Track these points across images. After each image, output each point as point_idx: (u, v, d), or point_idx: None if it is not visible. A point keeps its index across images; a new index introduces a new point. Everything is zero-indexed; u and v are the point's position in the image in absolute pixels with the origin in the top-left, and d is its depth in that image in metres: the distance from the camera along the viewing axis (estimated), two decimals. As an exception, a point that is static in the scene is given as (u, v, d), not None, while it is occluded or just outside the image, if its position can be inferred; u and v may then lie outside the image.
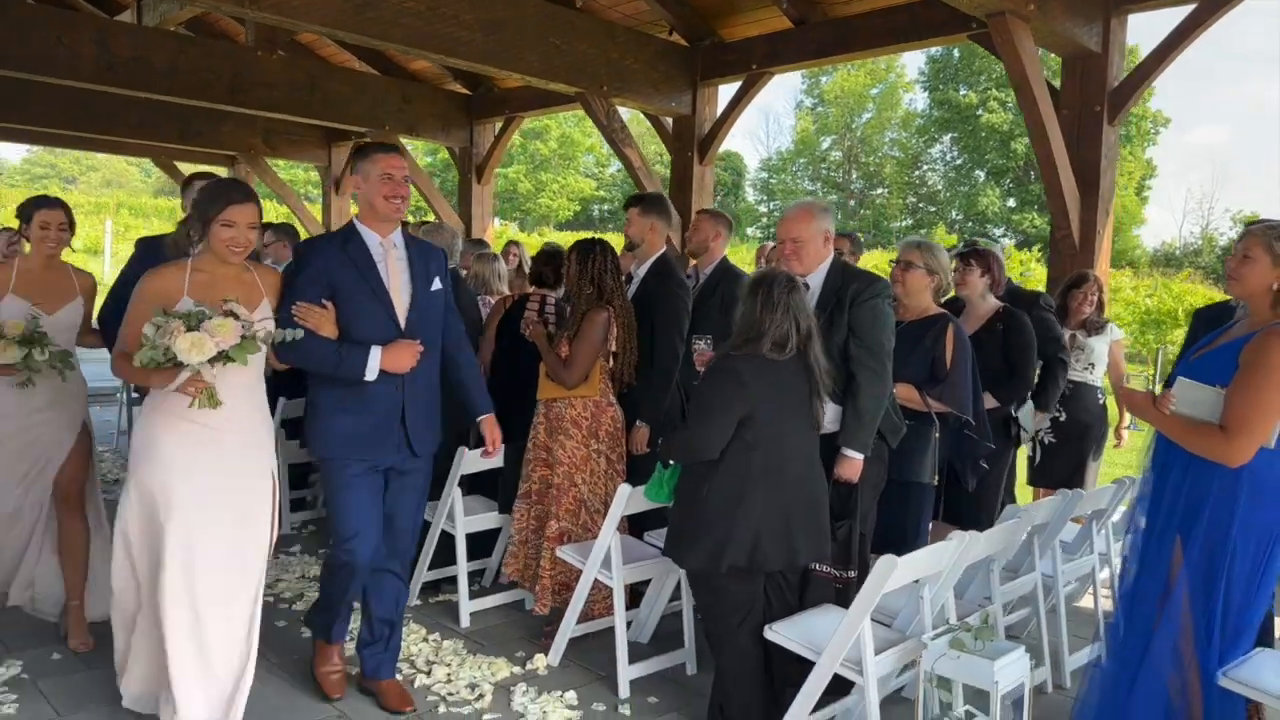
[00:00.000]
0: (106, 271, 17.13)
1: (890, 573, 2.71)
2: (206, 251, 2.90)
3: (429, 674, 3.56)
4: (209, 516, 2.82)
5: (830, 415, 3.35)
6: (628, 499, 3.42)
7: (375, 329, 3.03)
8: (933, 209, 39.79)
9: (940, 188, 39.76)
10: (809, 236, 3.44)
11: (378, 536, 3.15)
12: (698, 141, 7.23)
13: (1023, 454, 5.18)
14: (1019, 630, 3.96)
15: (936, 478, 3.78)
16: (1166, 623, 2.67)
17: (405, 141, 8.99)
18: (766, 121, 78.53)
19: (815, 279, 3.49)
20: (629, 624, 3.94)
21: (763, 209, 45.36)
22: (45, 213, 3.63)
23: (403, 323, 3.08)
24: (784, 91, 74.21)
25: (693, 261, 4.64)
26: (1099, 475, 5.11)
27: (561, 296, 4.23)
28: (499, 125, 8.87)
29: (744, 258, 24.02)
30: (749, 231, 41.15)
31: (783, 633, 3.01)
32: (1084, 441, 4.83)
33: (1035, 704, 3.53)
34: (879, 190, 42.69)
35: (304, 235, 10.69)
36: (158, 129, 9.22)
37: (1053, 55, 5.44)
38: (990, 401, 3.98)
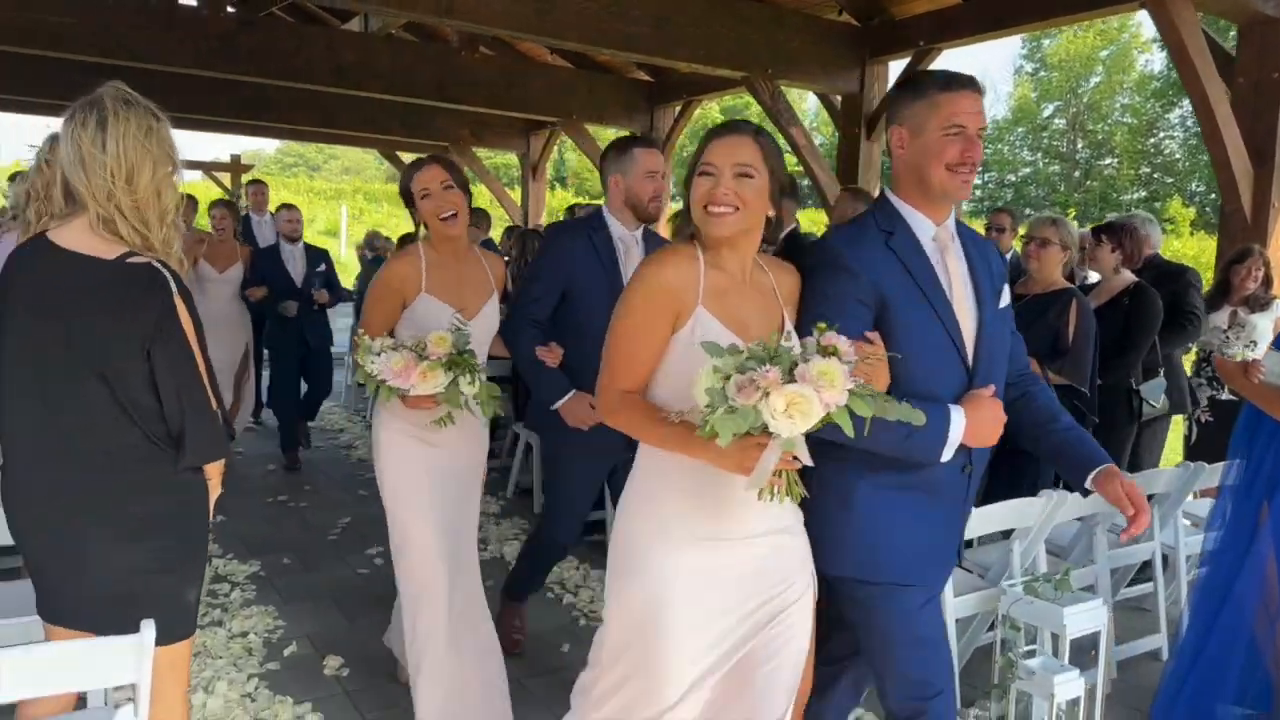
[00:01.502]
0: (343, 252, 19.13)
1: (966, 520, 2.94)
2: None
3: (575, 595, 4.12)
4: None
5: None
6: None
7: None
8: (1169, 180, 36.61)
9: (1179, 156, 36.49)
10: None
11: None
12: (865, 119, 7.37)
13: (1178, 431, 5.08)
14: (1149, 602, 4.00)
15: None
16: (1248, 574, 2.75)
17: (591, 128, 9.65)
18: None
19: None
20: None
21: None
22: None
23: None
24: (999, 57, 70.04)
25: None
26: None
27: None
28: (678, 109, 9.33)
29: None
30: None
31: (877, 575, 3.30)
32: (1243, 419, 4.69)
33: (1148, 670, 3.62)
34: (1108, 160, 39.73)
35: (505, 220, 11.69)
36: (382, 123, 10.38)
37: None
38: (1094, 380, 4.02)
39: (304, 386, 6.36)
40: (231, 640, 3.55)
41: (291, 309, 5.96)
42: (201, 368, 1.99)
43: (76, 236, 1.91)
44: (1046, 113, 40.83)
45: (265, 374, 6.80)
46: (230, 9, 7.70)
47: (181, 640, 2.05)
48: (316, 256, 6.26)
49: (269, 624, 3.72)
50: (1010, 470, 3.81)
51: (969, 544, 3.76)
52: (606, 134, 9.68)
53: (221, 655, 3.42)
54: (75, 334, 1.86)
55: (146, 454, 1.94)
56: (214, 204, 6.35)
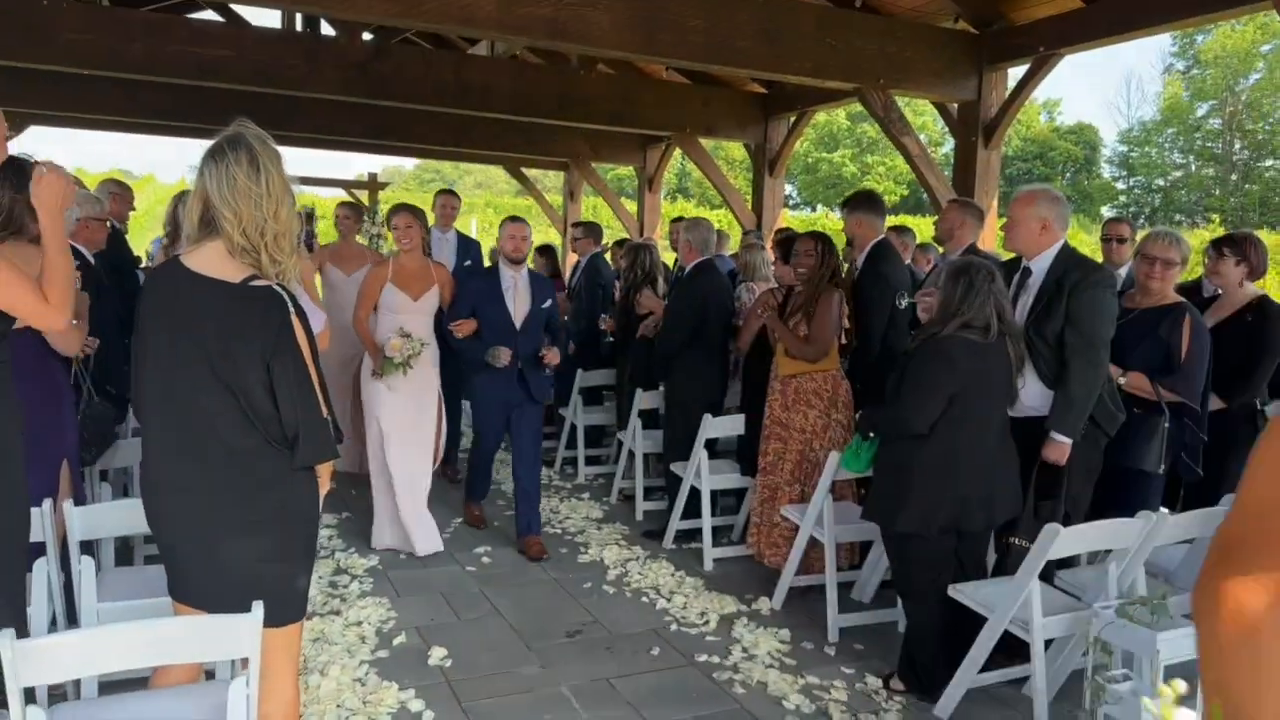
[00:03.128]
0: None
1: (1054, 539, 2.90)
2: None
3: (669, 600, 4.23)
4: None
5: (1041, 399, 3.52)
6: (838, 466, 3.82)
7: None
8: (1340, 182, 33.84)
9: (1351, 157, 33.70)
10: (1021, 218, 3.62)
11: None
12: (982, 126, 7.21)
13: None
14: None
15: (1163, 467, 3.75)
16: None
17: (704, 141, 9.76)
18: (1127, 89, 70.36)
19: (1038, 265, 3.65)
20: (853, 583, 4.35)
21: (1120, 186, 41.17)
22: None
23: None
24: (1148, 55, 66.24)
25: (940, 248, 4.88)
26: None
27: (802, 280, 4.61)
28: (792, 120, 9.33)
29: (1085, 242, 22.16)
30: (1104, 211, 37.61)
31: (965, 593, 3.27)
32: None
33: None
34: (1269, 162, 37.07)
35: (619, 232, 11.94)
36: (507, 141, 10.80)
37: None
38: (1214, 401, 3.84)
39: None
40: (347, 628, 3.82)
41: (504, 357, 4.72)
42: (315, 379, 2.21)
43: (207, 260, 2.16)
44: (1200, 112, 38.44)
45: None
46: (367, 36, 8.17)
47: (293, 623, 2.27)
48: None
49: (382, 615, 3.98)
50: (1118, 489, 3.70)
51: (1065, 563, 3.68)
52: (729, 147, 9.75)
53: (337, 642, 3.69)
54: (206, 349, 2.10)
55: (265, 454, 2.17)
56: (394, 208, 5.12)
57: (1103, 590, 3.13)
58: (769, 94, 9.38)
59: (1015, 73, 7.22)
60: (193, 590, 2.23)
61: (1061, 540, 2.91)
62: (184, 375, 2.12)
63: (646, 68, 9.84)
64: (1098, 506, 3.64)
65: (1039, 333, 3.51)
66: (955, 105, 7.46)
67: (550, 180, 23.79)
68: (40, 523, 2.62)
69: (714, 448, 5.06)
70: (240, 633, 1.94)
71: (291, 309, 2.15)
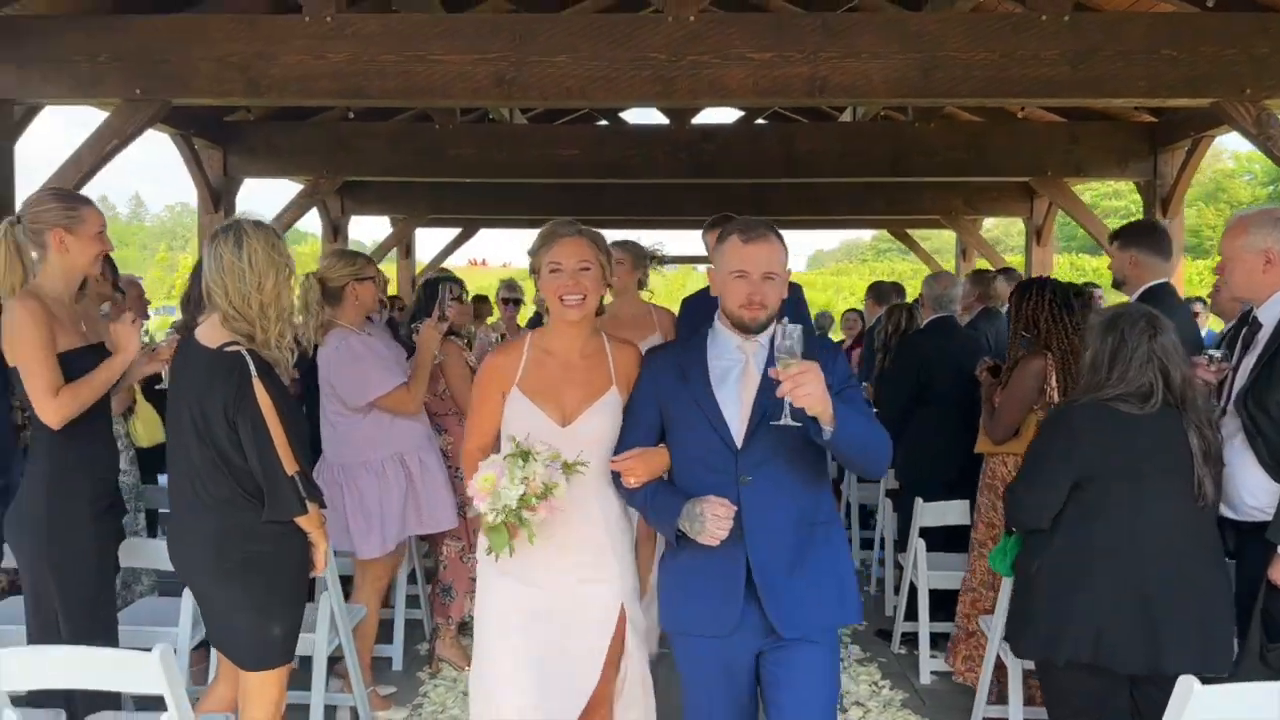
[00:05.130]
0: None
1: (1187, 699, 2.05)
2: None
3: (844, 713, 3.70)
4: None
5: (1269, 496, 2.55)
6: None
7: None
8: None
9: None
10: (1234, 254, 2.69)
11: None
12: None
13: None
14: None
15: None
16: None
17: (1072, 183, 8.55)
18: None
19: (1267, 314, 2.69)
20: None
21: None
22: None
23: None
24: None
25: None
26: None
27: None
28: (1186, 149, 7.78)
29: None
30: None
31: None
32: None
33: None
34: None
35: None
36: (872, 204, 10.50)
37: None
38: None
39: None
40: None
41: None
42: (278, 437, 2.44)
43: (204, 330, 2.53)
44: None
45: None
46: (694, 122, 8.60)
47: (269, 669, 2.49)
48: None
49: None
50: None
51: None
52: (1104, 188, 8.53)
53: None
54: (191, 407, 2.45)
55: (241, 505, 2.44)
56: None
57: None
58: (1157, 122, 7.97)
59: None
60: (209, 631, 2.57)
61: (1198, 698, 2.04)
62: (181, 432, 2.49)
63: (1003, 107, 8.98)
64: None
65: (1260, 404, 2.54)
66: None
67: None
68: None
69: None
70: (144, 669, 2.13)
71: (254, 371, 2.42)
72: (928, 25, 5.47)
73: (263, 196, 12.85)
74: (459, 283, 4.77)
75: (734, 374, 2.36)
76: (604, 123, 9.42)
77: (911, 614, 4.19)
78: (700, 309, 3.45)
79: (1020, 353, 3.53)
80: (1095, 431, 2.52)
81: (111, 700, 2.65)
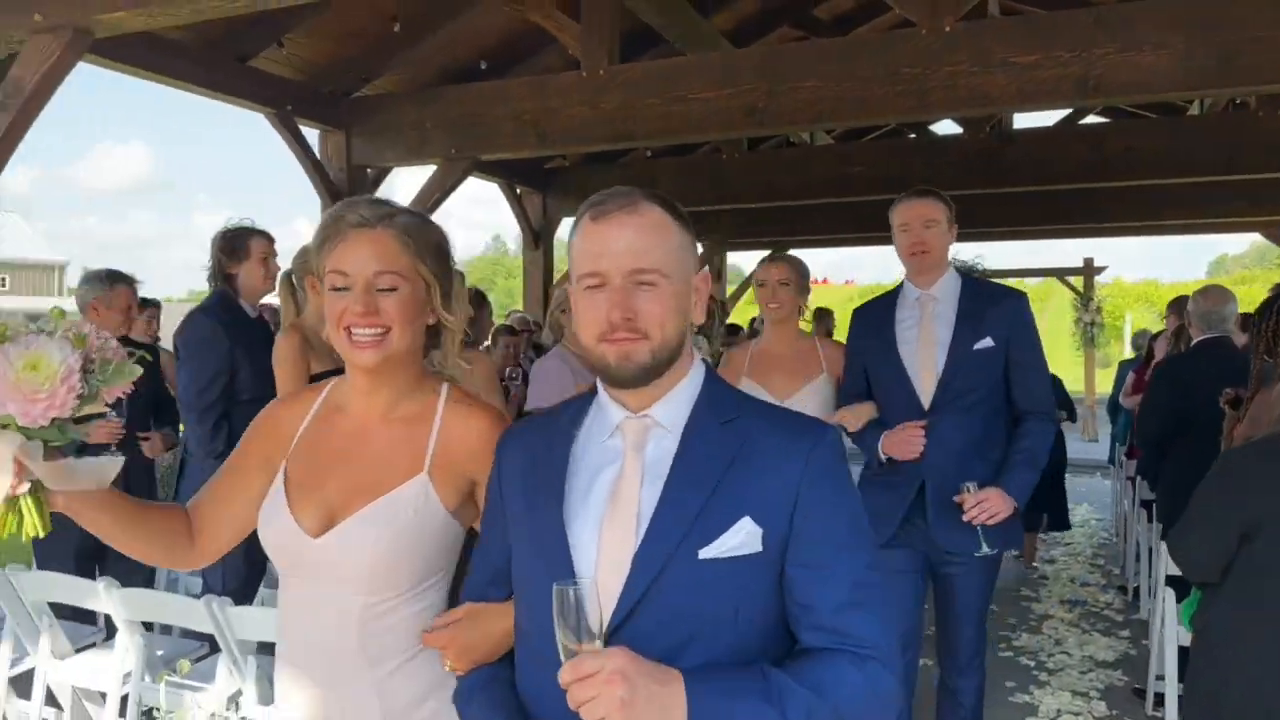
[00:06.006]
0: None
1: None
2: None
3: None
4: None
5: None
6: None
7: None
8: None
9: None
10: None
11: None
12: None
13: None
14: None
15: None
16: None
17: None
18: None
19: None
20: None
21: None
22: None
23: None
24: None
25: None
26: None
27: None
28: None
29: None
30: None
31: None
32: None
33: None
34: None
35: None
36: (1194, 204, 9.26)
37: None
38: None
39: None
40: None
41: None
42: None
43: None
44: None
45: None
46: (989, 129, 8.14)
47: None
48: None
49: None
50: None
51: None
52: None
53: None
54: None
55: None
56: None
57: None
58: None
59: None
60: None
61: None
62: None
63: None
64: None
65: None
66: None
67: None
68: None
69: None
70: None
71: None
72: (1224, 5, 4.87)
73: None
74: None
75: None
76: (913, 136, 9.30)
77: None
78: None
79: (1258, 383, 3.04)
80: (1272, 475, 2.18)
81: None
